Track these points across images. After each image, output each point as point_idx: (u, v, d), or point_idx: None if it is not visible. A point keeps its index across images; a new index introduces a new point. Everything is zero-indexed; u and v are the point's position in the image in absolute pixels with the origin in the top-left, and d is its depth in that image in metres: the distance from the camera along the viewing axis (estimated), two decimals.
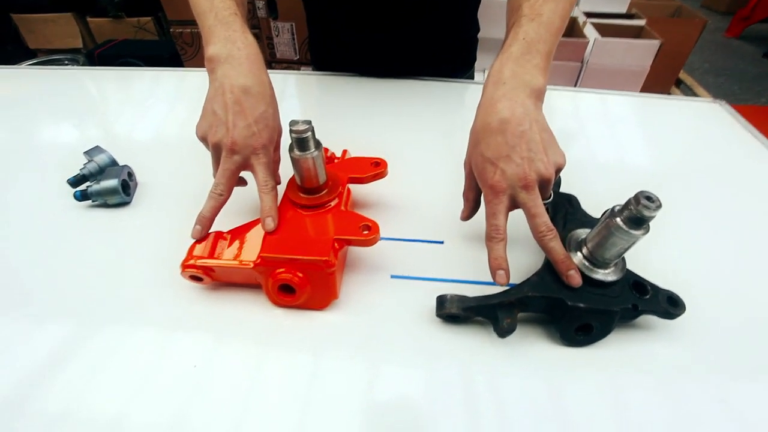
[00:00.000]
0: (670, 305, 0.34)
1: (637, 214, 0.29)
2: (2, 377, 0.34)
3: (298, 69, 1.62)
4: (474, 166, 0.38)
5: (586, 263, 0.34)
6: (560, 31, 0.41)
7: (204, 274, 0.37)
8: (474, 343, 0.36)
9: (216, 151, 0.39)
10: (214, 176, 0.40)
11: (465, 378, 0.34)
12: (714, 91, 2.36)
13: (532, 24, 0.39)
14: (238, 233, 0.40)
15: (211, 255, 0.38)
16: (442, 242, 0.45)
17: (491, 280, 0.39)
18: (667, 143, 0.64)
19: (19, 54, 2.17)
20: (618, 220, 0.30)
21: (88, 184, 0.49)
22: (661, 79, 1.78)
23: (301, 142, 0.35)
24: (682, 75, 1.93)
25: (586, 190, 0.47)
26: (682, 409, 0.32)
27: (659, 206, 0.29)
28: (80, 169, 0.50)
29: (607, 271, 0.34)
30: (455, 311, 0.35)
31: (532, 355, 0.36)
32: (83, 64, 1.94)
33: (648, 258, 0.40)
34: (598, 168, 0.58)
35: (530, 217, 0.36)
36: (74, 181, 0.49)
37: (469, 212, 0.43)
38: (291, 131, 0.35)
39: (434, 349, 0.36)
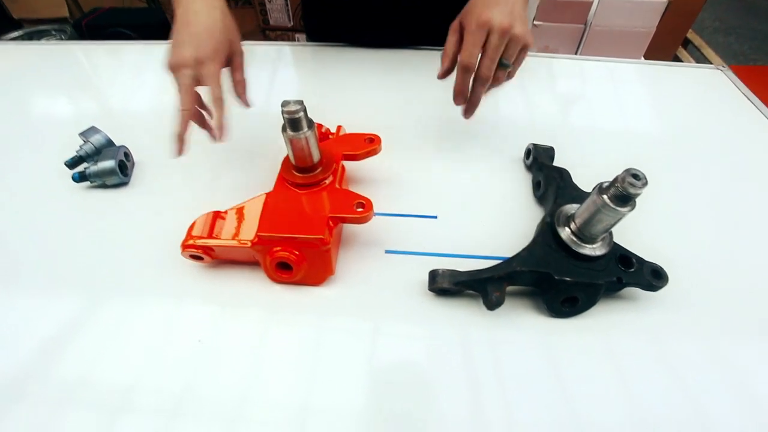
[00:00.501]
0: (653, 278, 0.36)
1: (623, 191, 0.30)
2: (19, 348, 0.36)
3: (293, 36, 1.57)
4: (468, 13, 0.44)
5: (574, 238, 0.35)
6: None
7: (204, 253, 0.39)
8: (466, 313, 0.38)
9: (174, 73, 0.41)
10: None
11: (462, 340, 0.36)
12: (723, 51, 2.28)
13: None
14: (236, 212, 0.41)
15: (210, 235, 0.39)
16: (435, 217, 0.46)
17: (483, 254, 0.41)
18: (666, 111, 0.64)
19: (3, 25, 2.09)
20: (604, 197, 0.31)
21: (85, 165, 0.49)
22: (668, 40, 1.72)
23: (293, 123, 0.36)
24: (690, 35, 1.86)
25: (585, 159, 0.47)
26: (671, 363, 0.34)
27: (645, 184, 0.29)
28: (77, 151, 0.50)
29: (594, 246, 0.35)
30: (447, 285, 0.36)
31: (521, 323, 0.37)
32: (71, 35, 1.88)
33: (638, 230, 0.41)
34: (598, 136, 0.58)
35: (484, 56, 0.43)
36: (71, 163, 0.50)
37: (447, 69, 0.47)
38: (283, 112, 0.35)
39: (429, 319, 0.38)
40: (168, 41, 0.42)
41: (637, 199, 0.31)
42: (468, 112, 0.48)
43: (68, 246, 0.44)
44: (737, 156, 0.55)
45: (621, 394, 0.33)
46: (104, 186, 0.49)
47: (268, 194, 0.41)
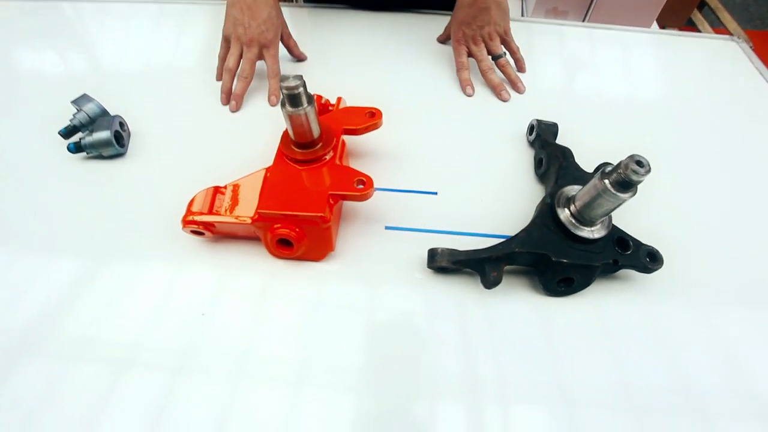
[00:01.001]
0: (649, 260, 0.36)
1: (625, 178, 0.30)
2: (24, 306, 0.38)
3: None
4: (450, 24, 0.62)
5: (573, 221, 0.35)
6: None
7: (204, 229, 0.39)
8: (463, 289, 0.39)
9: (237, 45, 0.55)
10: (223, 62, 0.57)
11: (458, 313, 0.38)
12: (740, 15, 2.18)
13: None
14: (236, 187, 0.41)
15: (210, 210, 0.39)
16: (435, 193, 0.46)
17: (483, 232, 0.41)
18: (677, 87, 0.62)
19: None
20: (606, 182, 0.31)
21: (80, 135, 0.49)
22: (683, 3, 1.64)
23: (292, 98, 0.35)
24: None
25: (590, 135, 0.46)
26: (661, 339, 0.36)
27: (648, 171, 0.29)
28: (70, 120, 0.49)
29: (592, 229, 0.35)
30: (445, 264, 0.37)
31: (516, 299, 0.39)
32: None
33: (637, 212, 0.42)
34: (605, 110, 0.57)
35: (477, 61, 0.60)
36: (65, 132, 0.49)
37: (442, 39, 0.66)
38: (282, 87, 0.34)
39: (427, 294, 0.39)
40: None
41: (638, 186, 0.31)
42: (499, 94, 0.58)
43: (68, 214, 0.44)
44: (747, 135, 0.54)
45: (610, 362, 0.35)
46: (101, 157, 0.48)
47: (267, 169, 0.41)
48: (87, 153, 0.48)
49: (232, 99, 0.55)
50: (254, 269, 0.40)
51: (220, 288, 0.39)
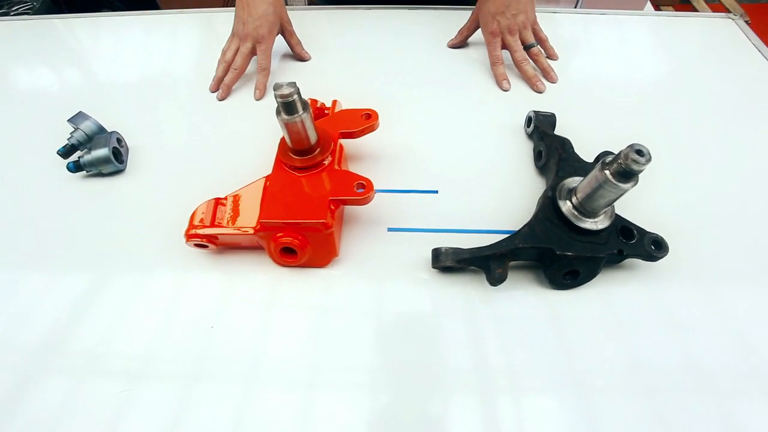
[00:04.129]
0: (654, 248, 0.36)
1: (626, 168, 0.29)
2: (34, 325, 0.38)
3: None
4: (480, 17, 0.61)
5: (575, 212, 0.35)
6: None
7: (207, 241, 0.39)
8: (469, 288, 0.39)
9: (235, 39, 0.59)
10: (225, 56, 0.59)
11: (465, 313, 0.38)
12: None
13: None
14: (237, 197, 0.41)
15: (213, 222, 0.39)
16: (436, 192, 0.46)
17: (486, 228, 0.41)
18: (675, 69, 0.61)
19: None
20: (607, 172, 0.31)
21: (79, 153, 0.49)
22: None
23: (287, 106, 0.34)
24: None
25: (588, 123, 0.46)
26: (671, 326, 0.36)
27: (649, 160, 0.29)
28: (68, 139, 0.49)
29: (596, 220, 0.35)
30: (450, 263, 0.37)
31: (523, 294, 0.38)
32: (42, 3, 1.78)
33: (640, 200, 0.41)
34: (602, 97, 0.57)
35: (512, 52, 0.59)
36: (64, 152, 0.49)
37: (458, 43, 0.64)
38: (276, 96, 0.34)
39: (433, 294, 0.39)
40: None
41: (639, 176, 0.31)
42: (535, 85, 0.58)
43: (72, 232, 0.44)
44: (747, 115, 0.54)
45: (621, 348, 0.35)
46: (101, 174, 0.48)
47: (267, 178, 0.41)
48: (87, 171, 0.48)
49: (220, 89, 0.58)
50: (260, 278, 0.41)
51: (227, 298, 0.39)
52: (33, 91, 0.62)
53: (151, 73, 0.64)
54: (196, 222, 0.39)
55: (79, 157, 0.47)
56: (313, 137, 0.39)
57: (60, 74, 0.65)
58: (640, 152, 0.29)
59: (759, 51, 0.61)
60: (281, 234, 0.37)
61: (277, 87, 0.34)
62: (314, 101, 0.48)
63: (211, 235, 0.39)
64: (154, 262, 0.42)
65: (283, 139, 0.41)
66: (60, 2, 1.74)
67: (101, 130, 0.50)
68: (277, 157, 0.41)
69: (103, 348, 0.37)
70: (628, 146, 0.29)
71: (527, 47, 0.59)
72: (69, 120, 0.50)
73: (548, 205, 0.37)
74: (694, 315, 0.37)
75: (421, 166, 0.49)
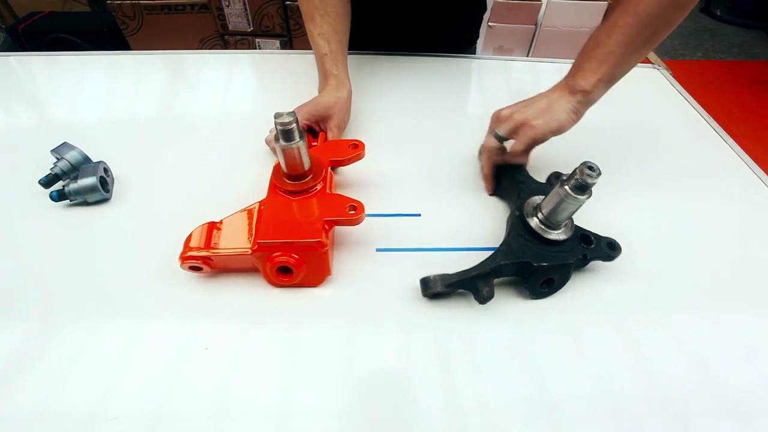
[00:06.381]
0: (609, 249, 0.41)
1: (582, 181, 0.35)
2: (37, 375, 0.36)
3: (253, 41, 1.55)
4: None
5: (543, 226, 0.40)
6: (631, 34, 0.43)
7: (203, 263, 0.40)
8: (456, 304, 0.41)
9: None
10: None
11: (454, 327, 0.40)
12: (658, 48, 2.48)
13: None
14: (232, 221, 0.42)
15: (208, 245, 0.40)
16: (419, 215, 0.50)
17: (467, 246, 0.45)
18: (610, 108, 0.69)
19: None
20: (566, 188, 0.36)
21: (62, 183, 0.48)
22: None
23: (286, 133, 0.37)
24: None
25: (537, 153, 0.51)
26: (629, 336, 0.40)
27: (599, 174, 0.34)
28: (51, 169, 0.49)
29: (559, 231, 0.40)
30: (440, 289, 0.39)
31: (504, 311, 0.41)
32: (5, 41, 1.75)
33: (592, 213, 0.46)
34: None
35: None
36: (47, 181, 0.48)
37: (491, 187, 0.53)
38: (276, 123, 0.37)
39: (421, 311, 0.41)
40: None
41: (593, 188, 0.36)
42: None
43: (56, 266, 0.43)
44: (673, 145, 0.62)
45: (584, 365, 0.38)
46: (85, 203, 0.48)
47: (261, 202, 0.43)
48: (71, 200, 0.48)
49: None
50: (251, 301, 0.41)
51: (219, 323, 0.40)
52: (10, 126, 0.62)
53: (132, 106, 0.65)
54: (191, 245, 0.40)
55: (63, 186, 0.47)
56: (307, 163, 0.42)
57: (36, 109, 0.65)
58: (591, 168, 0.34)
59: (683, 96, 0.72)
60: (278, 253, 0.39)
61: (277, 115, 0.37)
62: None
63: (206, 256, 0.39)
64: (144, 291, 0.41)
65: (277, 165, 0.43)
66: (22, 41, 1.72)
67: (87, 159, 0.50)
68: (272, 182, 0.43)
69: (101, 387, 0.35)
70: (581, 163, 0.35)
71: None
72: (53, 150, 0.50)
73: (518, 223, 0.42)
74: (645, 321, 0.41)
75: (404, 192, 0.52)
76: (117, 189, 0.51)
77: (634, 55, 0.44)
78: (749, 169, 0.58)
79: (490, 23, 1.57)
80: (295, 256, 0.39)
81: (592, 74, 0.44)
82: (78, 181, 0.47)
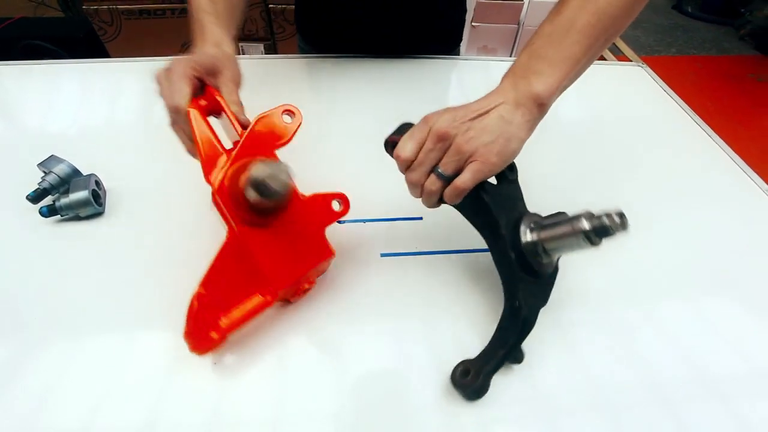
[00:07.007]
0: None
1: (608, 229, 0.31)
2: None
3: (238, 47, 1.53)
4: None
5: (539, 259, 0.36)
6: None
7: (216, 333, 0.34)
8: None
9: None
10: None
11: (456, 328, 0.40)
12: (633, 44, 2.54)
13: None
14: (214, 281, 0.35)
15: (217, 327, 0.34)
16: (420, 218, 0.50)
17: (471, 248, 0.45)
18: (595, 106, 0.71)
19: None
20: (584, 225, 0.32)
21: (52, 198, 0.47)
22: None
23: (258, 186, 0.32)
24: None
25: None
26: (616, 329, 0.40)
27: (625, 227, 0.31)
28: (38, 183, 0.47)
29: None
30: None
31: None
32: None
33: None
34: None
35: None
36: (35, 196, 0.46)
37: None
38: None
39: (426, 313, 0.41)
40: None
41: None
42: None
43: (53, 283, 0.42)
44: (660, 141, 0.64)
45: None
46: (77, 218, 0.47)
47: (227, 243, 0.35)
48: (62, 215, 0.46)
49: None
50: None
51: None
52: None
53: (117, 121, 0.63)
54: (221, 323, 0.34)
55: (54, 200, 0.45)
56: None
57: (15, 121, 0.63)
58: (622, 216, 0.31)
59: (666, 93, 0.74)
60: (298, 285, 0.38)
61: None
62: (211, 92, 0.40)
63: (232, 324, 0.34)
64: (137, 307, 0.40)
65: (235, 200, 0.35)
66: None
67: (77, 172, 0.49)
68: (231, 218, 0.35)
69: (93, 402, 0.34)
70: (615, 210, 0.31)
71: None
72: (39, 164, 0.48)
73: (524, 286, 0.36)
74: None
75: (404, 195, 0.52)
76: (109, 202, 0.49)
77: (590, 61, 0.37)
78: (734, 164, 0.60)
79: (473, 23, 1.59)
80: (312, 279, 0.40)
81: (552, 79, 0.35)
82: (70, 195, 0.45)
